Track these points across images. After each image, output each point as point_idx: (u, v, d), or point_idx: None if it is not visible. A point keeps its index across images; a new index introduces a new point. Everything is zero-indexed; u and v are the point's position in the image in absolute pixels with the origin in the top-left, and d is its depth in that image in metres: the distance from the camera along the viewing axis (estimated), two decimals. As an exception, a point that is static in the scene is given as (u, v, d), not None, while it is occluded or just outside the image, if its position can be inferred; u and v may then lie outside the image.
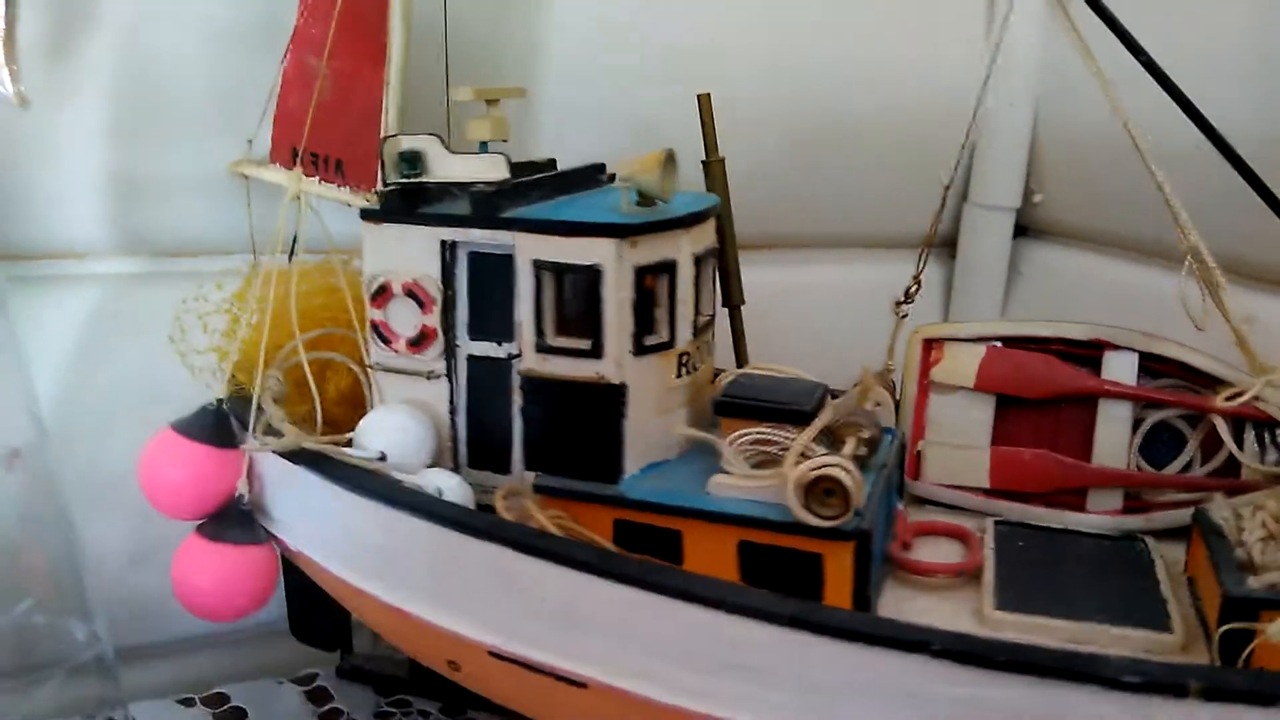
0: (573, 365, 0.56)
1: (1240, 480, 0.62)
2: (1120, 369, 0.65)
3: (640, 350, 0.56)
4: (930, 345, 0.68)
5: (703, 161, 0.67)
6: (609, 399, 0.56)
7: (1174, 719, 0.42)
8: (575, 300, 0.55)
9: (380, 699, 0.75)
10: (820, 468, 0.52)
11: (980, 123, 0.99)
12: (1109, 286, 0.95)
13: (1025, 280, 1.04)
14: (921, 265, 0.63)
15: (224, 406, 0.59)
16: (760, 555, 0.54)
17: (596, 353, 0.56)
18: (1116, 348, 0.65)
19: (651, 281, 0.56)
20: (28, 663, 0.55)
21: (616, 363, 0.56)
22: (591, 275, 0.54)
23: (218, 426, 0.58)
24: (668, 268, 0.57)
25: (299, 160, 0.69)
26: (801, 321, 0.90)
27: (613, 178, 0.69)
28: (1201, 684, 0.41)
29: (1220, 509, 0.55)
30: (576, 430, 0.57)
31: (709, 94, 0.67)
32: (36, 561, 0.56)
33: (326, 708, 0.74)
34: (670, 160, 0.55)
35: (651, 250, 0.55)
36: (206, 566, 0.57)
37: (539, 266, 0.55)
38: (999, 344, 0.67)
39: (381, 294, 0.59)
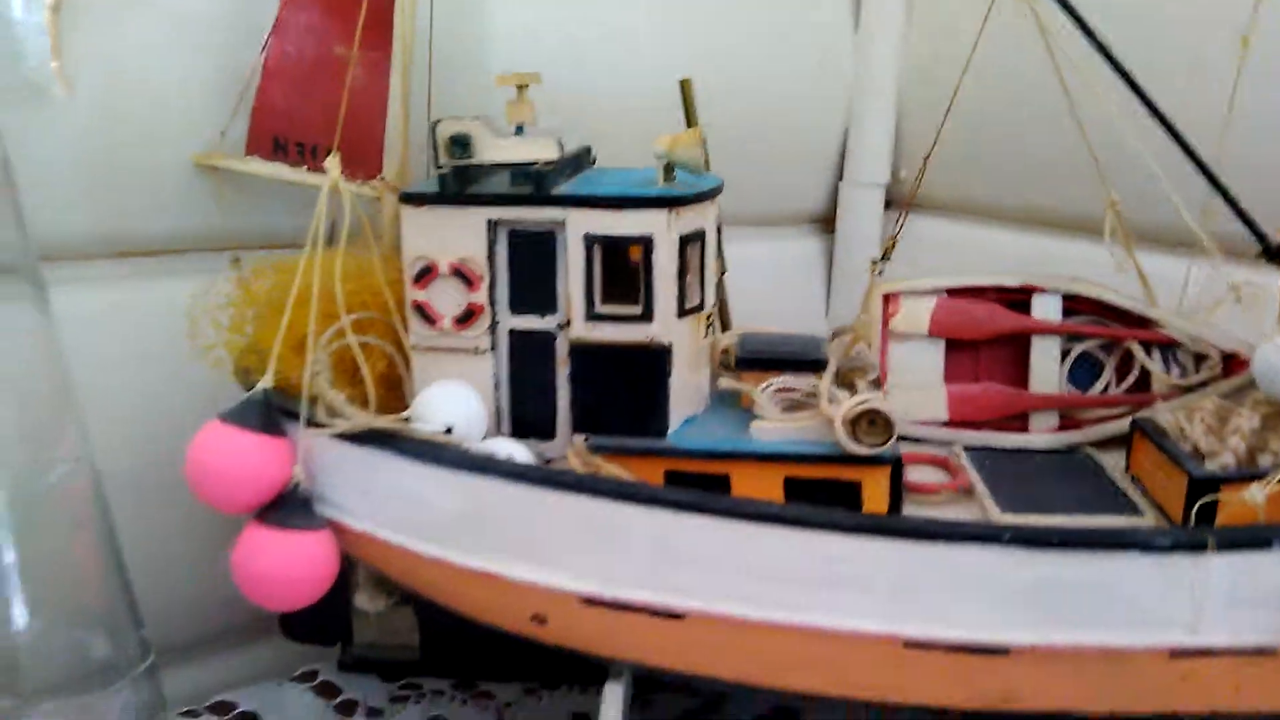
0: (623, 330, 0.60)
1: (1150, 394, 0.74)
2: (1047, 309, 0.76)
3: (682, 313, 0.61)
4: (888, 299, 0.77)
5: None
6: (657, 360, 0.61)
7: (1197, 569, 0.52)
8: (627, 268, 0.59)
9: (391, 685, 0.76)
10: (864, 402, 0.59)
11: (851, 110, 1.12)
12: (969, 249, 1.08)
13: (897, 251, 1.16)
14: (899, 228, 0.71)
15: (269, 395, 0.59)
16: (804, 488, 0.60)
17: (647, 317, 0.60)
18: (1043, 291, 0.76)
19: (687, 250, 0.61)
20: (87, 674, 0.53)
21: (664, 325, 0.60)
22: (646, 245, 0.58)
23: (267, 415, 0.58)
24: (700, 236, 0.62)
25: (285, 151, 0.68)
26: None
27: (594, 160, 0.73)
28: (1216, 540, 0.52)
29: (1164, 414, 0.66)
30: (626, 391, 0.61)
31: (690, 79, 0.72)
32: (91, 571, 0.54)
33: (339, 700, 0.74)
34: (704, 139, 0.61)
35: (689, 220, 0.61)
36: (274, 554, 0.57)
37: (590, 240, 0.59)
38: (946, 294, 0.77)
39: (426, 275, 0.60)
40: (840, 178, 1.14)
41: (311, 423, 0.58)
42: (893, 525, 0.54)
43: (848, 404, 0.59)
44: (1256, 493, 0.55)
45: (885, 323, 0.77)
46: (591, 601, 0.56)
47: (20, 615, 0.50)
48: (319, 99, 0.67)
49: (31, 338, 0.52)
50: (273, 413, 0.58)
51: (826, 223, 1.17)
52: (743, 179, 1.05)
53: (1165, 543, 0.52)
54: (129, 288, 0.70)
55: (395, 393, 0.63)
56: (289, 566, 0.57)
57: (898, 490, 0.61)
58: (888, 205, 1.15)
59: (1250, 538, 0.52)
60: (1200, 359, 0.73)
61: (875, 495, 0.60)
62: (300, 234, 0.70)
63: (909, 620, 0.54)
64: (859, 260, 1.16)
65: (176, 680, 0.74)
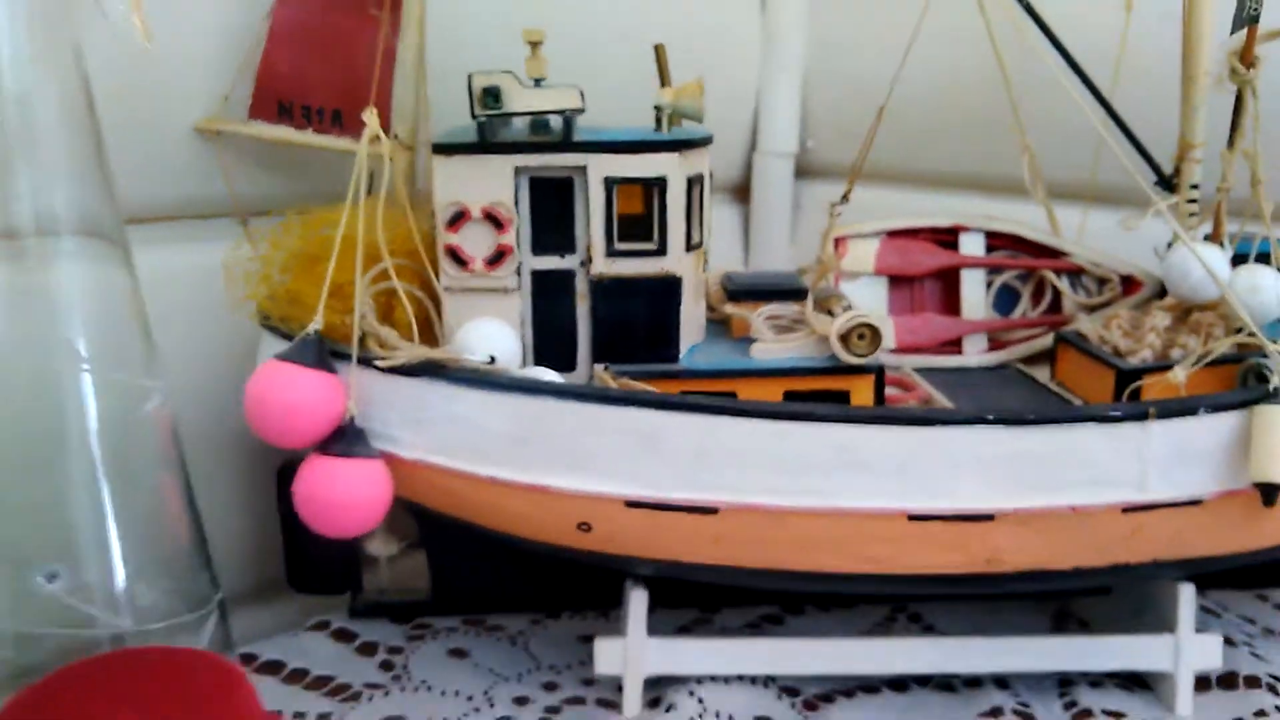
0: (641, 264, 0.67)
1: (1063, 315, 0.86)
2: (972, 246, 0.87)
3: (689, 248, 0.68)
4: (838, 242, 0.86)
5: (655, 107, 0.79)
6: (671, 290, 0.68)
7: (1142, 435, 0.62)
8: (643, 208, 0.66)
9: (404, 626, 0.79)
10: (855, 317, 0.67)
11: (761, 87, 1.21)
12: (872, 211, 1.19)
13: (805, 214, 1.26)
14: (849, 186, 0.80)
15: (319, 336, 0.62)
16: (801, 398, 0.68)
17: (662, 251, 0.67)
18: (969, 229, 0.87)
19: (692, 190, 0.68)
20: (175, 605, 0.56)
21: (676, 259, 0.67)
22: (661, 185, 0.65)
23: (320, 352, 0.62)
24: (700, 179, 0.69)
25: (290, 115, 0.72)
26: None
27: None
28: (1156, 410, 0.63)
29: (1085, 324, 0.78)
30: (644, 320, 0.68)
31: (663, 44, 0.79)
32: (176, 507, 0.57)
33: (358, 643, 0.77)
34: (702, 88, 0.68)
35: (694, 163, 0.68)
36: (337, 482, 0.61)
37: (610, 182, 0.65)
38: (887, 236, 0.87)
39: (459, 219, 0.65)
40: (753, 149, 1.24)
41: (363, 360, 0.62)
42: (896, 415, 0.63)
43: (841, 319, 0.67)
44: (1179, 373, 0.67)
45: (836, 262, 0.86)
46: (634, 504, 0.63)
47: (116, 546, 0.53)
48: (326, 62, 0.71)
49: (121, 292, 0.55)
50: (326, 350, 0.62)
51: (742, 191, 1.26)
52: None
53: (1117, 414, 0.63)
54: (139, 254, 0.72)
55: (426, 334, 0.67)
56: (355, 491, 0.61)
57: (881, 396, 0.69)
58: (797, 174, 1.25)
59: (1181, 407, 0.63)
60: (1102, 282, 0.85)
61: (863, 400, 0.69)
62: (301, 197, 0.75)
63: (911, 496, 0.63)
64: (774, 225, 1.27)
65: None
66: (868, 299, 0.86)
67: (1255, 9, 0.67)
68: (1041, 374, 0.82)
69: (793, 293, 0.73)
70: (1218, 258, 0.69)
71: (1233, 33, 0.69)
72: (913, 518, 0.63)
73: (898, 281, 0.87)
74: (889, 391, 0.79)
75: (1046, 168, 0.85)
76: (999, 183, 0.99)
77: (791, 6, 1.19)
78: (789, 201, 1.25)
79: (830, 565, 0.65)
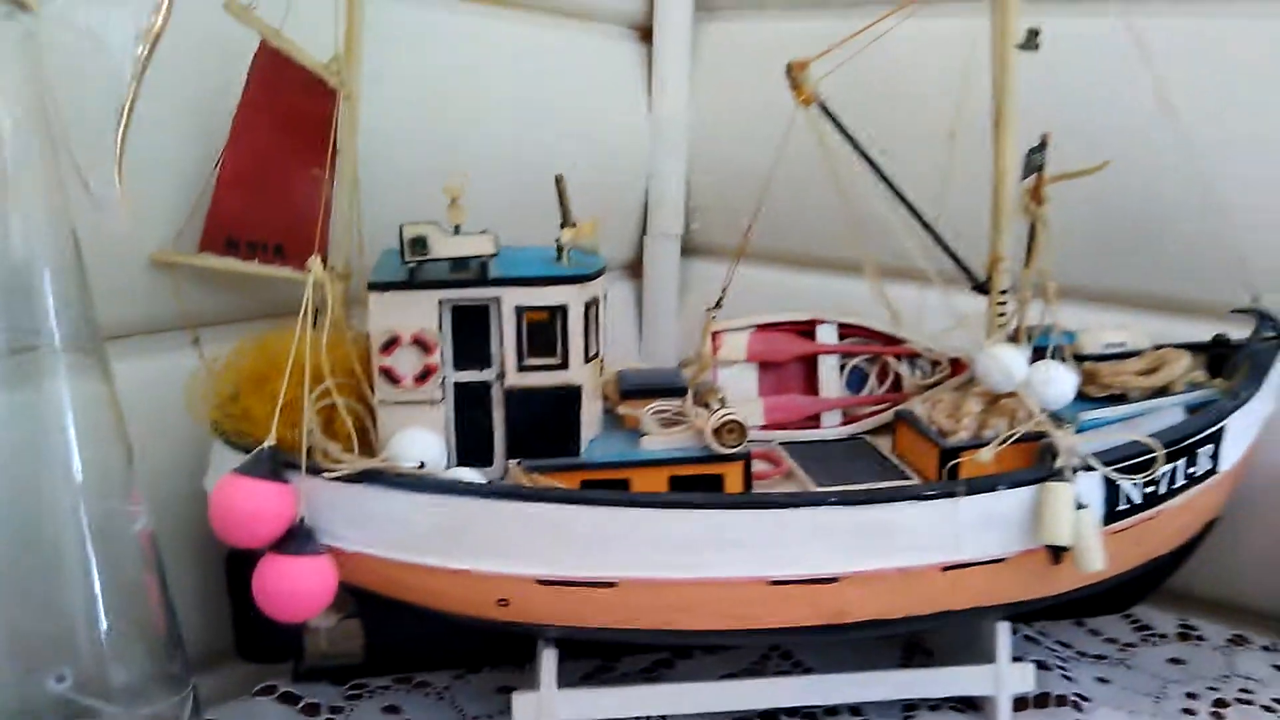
0: (546, 377, 0.80)
1: (903, 394, 1.01)
2: (828, 335, 1.02)
3: (587, 359, 0.81)
4: (715, 335, 1.00)
5: (561, 227, 0.93)
6: (572, 397, 0.81)
7: (954, 508, 0.77)
8: (547, 331, 0.79)
9: (341, 688, 0.90)
10: (726, 414, 0.81)
11: (650, 176, 1.35)
12: (753, 288, 1.34)
13: (692, 291, 1.40)
14: (728, 280, 0.94)
15: (274, 450, 0.73)
16: (684, 482, 0.82)
17: (564, 365, 0.80)
18: (824, 322, 1.02)
19: (588, 312, 0.81)
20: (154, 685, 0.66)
21: (576, 371, 0.80)
22: (563, 311, 0.78)
23: (275, 465, 0.73)
24: (596, 302, 0.82)
25: (237, 249, 0.83)
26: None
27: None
28: (964, 488, 0.78)
29: (916, 406, 0.93)
30: (550, 422, 0.81)
31: (562, 174, 0.92)
32: (156, 601, 0.67)
33: (302, 704, 0.88)
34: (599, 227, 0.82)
35: (589, 291, 0.81)
36: (287, 578, 0.71)
37: (521, 310, 0.78)
38: (756, 329, 1.02)
39: (392, 344, 0.77)
40: (644, 231, 1.38)
41: (311, 470, 0.73)
42: (757, 500, 0.77)
43: (713, 417, 0.81)
44: (986, 453, 0.82)
45: (714, 353, 1.00)
46: (545, 582, 0.75)
47: (105, 632, 0.63)
48: (269, 203, 0.82)
49: (102, 408, 0.65)
50: (279, 464, 0.73)
51: (635, 268, 1.40)
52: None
53: (932, 493, 0.78)
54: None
55: (364, 442, 0.79)
56: (305, 585, 0.72)
57: (749, 478, 0.83)
58: (684, 253, 1.39)
59: (985, 484, 0.79)
60: (935, 364, 1.01)
61: (734, 483, 0.83)
62: (248, 312, 0.86)
63: (771, 566, 0.77)
64: (663, 300, 1.41)
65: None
66: (741, 382, 1.01)
67: (1040, 160, 0.84)
68: (886, 444, 0.97)
69: (675, 390, 0.87)
70: (1015, 356, 0.85)
71: (1022, 179, 0.85)
72: (773, 582, 0.77)
73: (766, 367, 1.01)
74: (760, 466, 0.94)
75: (898, 258, 1.00)
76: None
77: (675, 105, 1.34)
78: (676, 279, 1.39)
79: (709, 624, 0.78)
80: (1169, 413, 0.87)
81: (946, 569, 0.79)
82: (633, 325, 1.41)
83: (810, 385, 1.02)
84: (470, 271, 0.78)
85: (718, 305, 0.93)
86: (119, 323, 0.83)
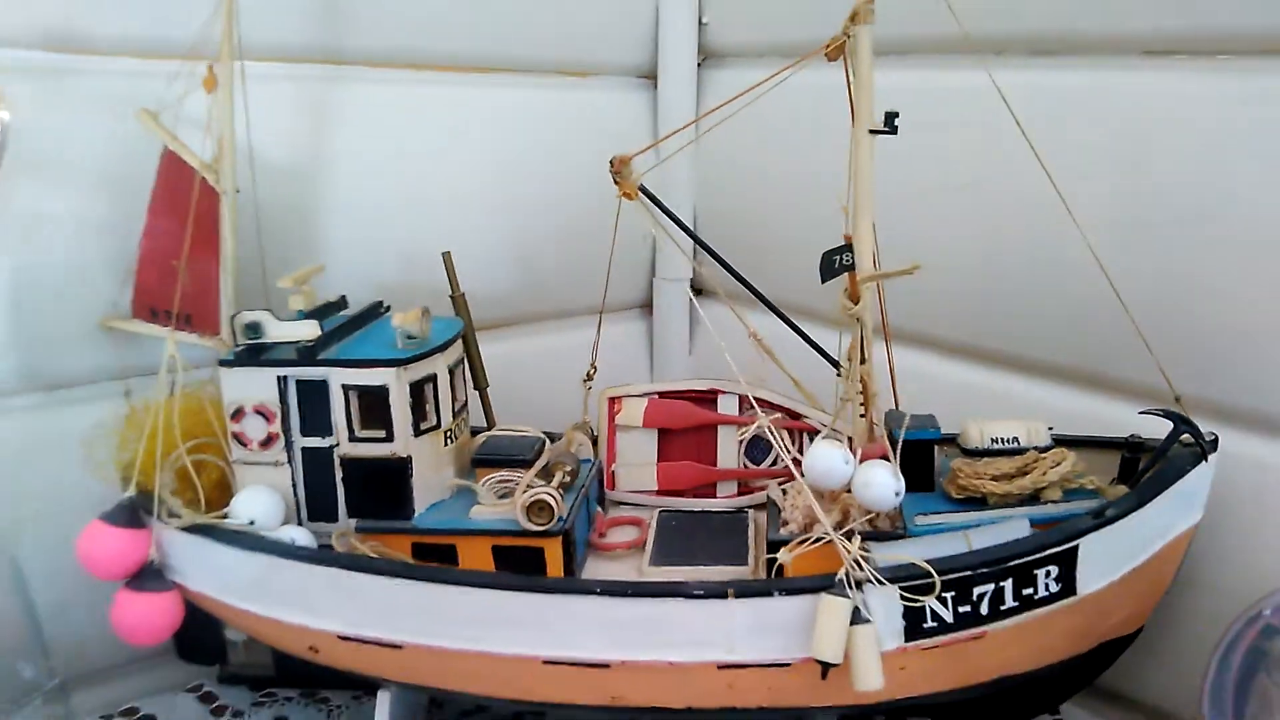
0: (374, 448, 0.88)
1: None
2: (729, 406, 1.02)
3: (418, 433, 0.88)
4: (613, 401, 1.04)
5: (449, 296, 1.00)
6: (401, 467, 0.88)
7: (726, 609, 0.78)
8: (372, 407, 0.87)
9: (255, 694, 1.04)
10: (534, 494, 0.85)
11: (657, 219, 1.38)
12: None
13: (701, 329, 1.42)
14: (594, 355, 0.97)
15: (134, 500, 0.87)
16: (506, 553, 0.87)
17: (390, 438, 0.87)
18: (725, 392, 1.03)
19: (421, 389, 0.88)
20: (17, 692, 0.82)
21: (404, 443, 0.88)
22: (382, 391, 0.86)
23: (132, 514, 0.86)
24: (431, 379, 0.89)
25: (157, 317, 0.97)
26: (538, 381, 1.23)
27: (389, 309, 1.01)
28: (734, 590, 0.78)
29: (773, 489, 0.92)
30: (381, 489, 0.88)
31: (450, 251, 0.99)
32: (17, 622, 0.83)
33: (215, 705, 1.02)
34: (426, 313, 0.88)
35: (418, 370, 0.88)
36: (137, 610, 0.85)
37: (346, 388, 0.86)
38: (656, 396, 1.04)
39: (239, 414, 0.88)
40: (654, 274, 1.41)
41: (160, 519, 0.86)
42: (532, 583, 0.81)
43: (523, 496, 0.86)
44: (784, 555, 0.81)
45: (611, 418, 1.03)
46: (343, 638, 0.84)
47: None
48: (175, 281, 0.95)
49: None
50: (137, 512, 0.86)
51: (647, 307, 1.43)
52: (585, 279, 1.33)
53: (700, 592, 0.78)
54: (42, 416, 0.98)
55: (227, 492, 0.90)
56: (149, 617, 0.85)
57: (570, 553, 0.87)
58: (696, 292, 1.41)
59: (757, 588, 0.78)
60: (831, 443, 0.99)
61: (554, 558, 0.87)
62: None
63: (546, 646, 0.81)
64: (673, 338, 1.43)
65: (102, 694, 1.04)
66: (638, 448, 1.03)
67: (847, 261, 0.81)
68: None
69: (519, 462, 0.92)
70: (833, 455, 0.83)
71: (824, 282, 0.82)
72: (547, 662, 0.81)
73: (665, 433, 1.03)
74: (625, 533, 0.97)
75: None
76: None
77: (680, 158, 1.35)
78: (685, 318, 1.42)
79: (489, 692, 0.84)
80: (1014, 524, 0.82)
81: (722, 667, 0.79)
82: (645, 362, 1.45)
83: (709, 453, 1.03)
84: (302, 352, 0.87)
85: (588, 377, 0.97)
86: (60, 374, 0.99)
